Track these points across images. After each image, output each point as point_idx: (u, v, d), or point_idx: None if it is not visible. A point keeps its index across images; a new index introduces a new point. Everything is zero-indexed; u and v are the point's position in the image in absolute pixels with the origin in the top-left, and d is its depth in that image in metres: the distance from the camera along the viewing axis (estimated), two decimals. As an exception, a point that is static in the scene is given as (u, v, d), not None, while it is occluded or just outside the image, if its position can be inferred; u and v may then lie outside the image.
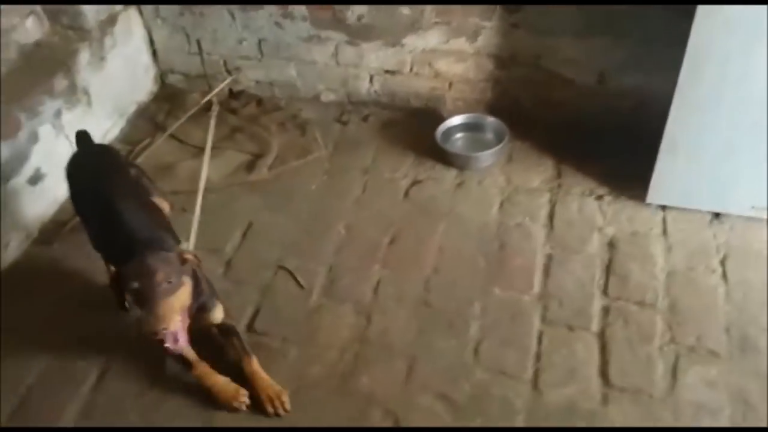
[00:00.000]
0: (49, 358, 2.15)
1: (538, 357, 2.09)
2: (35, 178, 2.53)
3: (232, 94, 3.28)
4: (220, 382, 2.00)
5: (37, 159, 2.52)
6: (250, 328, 2.23)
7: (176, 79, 3.32)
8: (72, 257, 2.49)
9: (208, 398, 1.99)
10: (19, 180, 2.46)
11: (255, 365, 2.03)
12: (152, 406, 2.01)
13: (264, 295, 2.33)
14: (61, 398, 2.04)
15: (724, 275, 2.31)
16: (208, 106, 3.12)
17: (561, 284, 2.30)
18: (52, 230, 2.60)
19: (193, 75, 3.28)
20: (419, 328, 2.20)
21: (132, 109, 3.13)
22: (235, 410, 1.96)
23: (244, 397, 1.97)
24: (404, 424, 1.94)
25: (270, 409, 1.96)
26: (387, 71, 3.04)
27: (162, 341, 1.74)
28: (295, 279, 2.38)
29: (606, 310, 2.21)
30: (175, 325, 1.75)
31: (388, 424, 1.94)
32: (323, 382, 2.06)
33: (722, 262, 2.35)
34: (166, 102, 3.24)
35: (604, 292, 2.27)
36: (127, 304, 1.89)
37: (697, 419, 1.90)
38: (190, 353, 2.00)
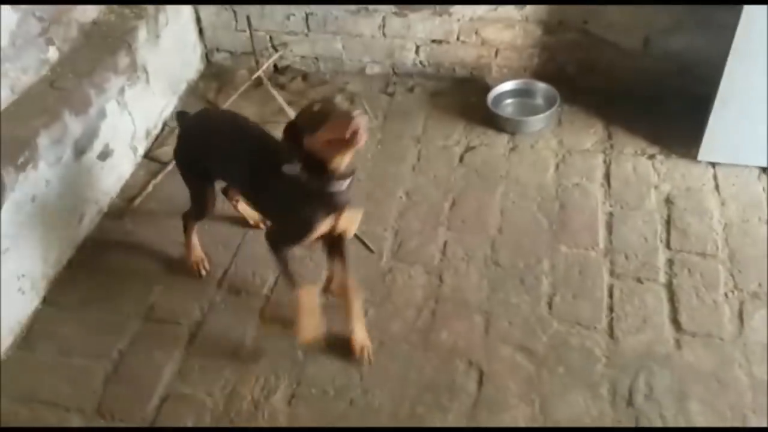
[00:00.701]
0: (138, 325, 2.23)
1: (610, 308, 2.17)
2: (104, 154, 2.59)
3: (277, 70, 3.34)
4: (311, 316, 1.99)
5: (105, 135, 2.58)
6: (326, 290, 2.30)
7: (222, 57, 3.38)
8: (143, 231, 2.57)
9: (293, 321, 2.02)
10: (91, 155, 2.52)
11: (355, 296, 2.07)
12: (247, 363, 2.10)
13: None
14: (156, 361, 2.12)
15: (778, 225, 2.40)
16: (257, 83, 3.18)
17: (625, 239, 2.38)
18: (121, 205, 2.67)
19: (238, 52, 3.33)
20: (491, 286, 2.28)
21: (183, 87, 3.19)
22: (301, 341, 2.01)
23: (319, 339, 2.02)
24: (488, 374, 2.02)
25: (357, 353, 2.07)
26: (434, 41, 3.10)
27: (357, 126, 1.56)
28: (364, 243, 2.45)
29: (670, 262, 2.30)
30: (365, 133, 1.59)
31: (472, 374, 2.03)
32: (405, 337, 2.15)
33: (775, 214, 2.44)
34: (214, 80, 3.30)
35: (667, 245, 2.36)
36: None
37: (765, 359, 2.00)
38: (299, 277, 2.00)
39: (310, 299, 2.00)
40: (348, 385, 2.02)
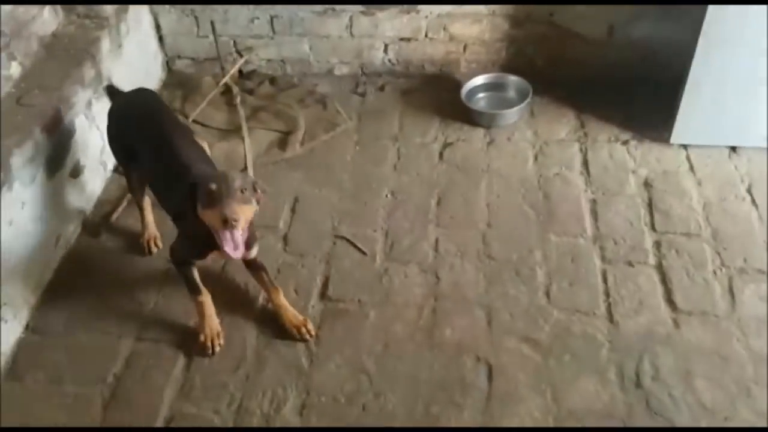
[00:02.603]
0: (130, 345, 2.15)
1: (606, 293, 2.21)
2: (76, 171, 2.49)
3: (243, 75, 3.27)
4: (214, 317, 2.14)
5: (75, 151, 2.48)
6: (323, 296, 2.27)
7: (184, 64, 3.29)
8: (122, 247, 2.48)
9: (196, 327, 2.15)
10: (63, 173, 2.41)
11: (281, 298, 2.18)
12: (252, 376, 2.05)
13: (329, 265, 2.38)
14: (155, 382, 2.04)
15: (753, 201, 2.49)
16: (223, 89, 3.11)
17: (611, 225, 2.43)
18: (97, 222, 2.56)
19: (201, 58, 3.25)
20: (488, 279, 2.29)
21: (146, 97, 3.08)
22: (207, 349, 2.10)
23: (219, 341, 2.13)
24: (497, 367, 2.03)
25: (297, 336, 2.13)
26: (402, 39, 3.10)
27: (232, 227, 1.79)
28: (356, 246, 2.43)
29: (658, 244, 2.36)
30: (243, 225, 1.83)
31: (481, 369, 2.03)
32: (409, 337, 2.13)
33: (749, 191, 2.53)
34: (179, 88, 3.19)
35: (652, 227, 2.42)
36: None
37: (760, 331, 2.07)
38: (200, 284, 2.14)
39: (209, 304, 2.14)
40: (358, 391, 2.00)
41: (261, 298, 2.27)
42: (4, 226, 2.08)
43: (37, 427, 1.95)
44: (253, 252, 2.11)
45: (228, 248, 1.83)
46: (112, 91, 2.39)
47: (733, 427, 1.84)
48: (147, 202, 2.40)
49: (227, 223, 1.77)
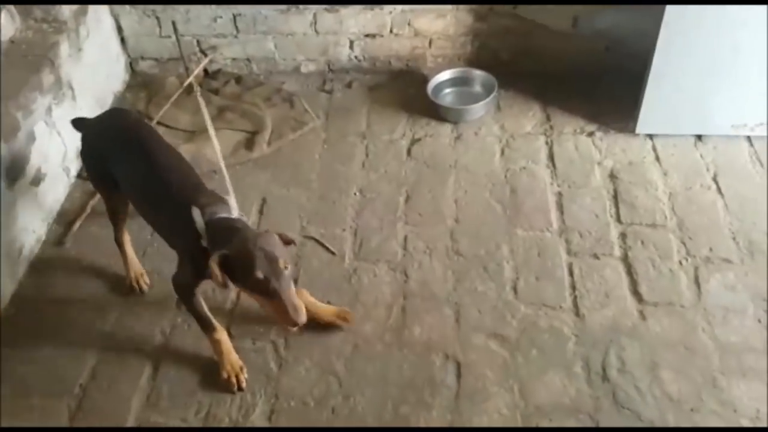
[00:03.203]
0: (96, 356, 2.13)
1: (573, 286, 2.22)
2: (37, 179, 2.45)
3: (208, 74, 3.23)
4: (233, 352, 2.05)
5: (36, 159, 2.44)
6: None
7: (147, 65, 3.25)
8: (88, 255, 2.45)
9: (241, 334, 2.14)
10: (24, 182, 2.37)
11: (307, 296, 2.14)
12: (220, 384, 2.03)
13: (298, 266, 2.36)
14: (122, 392, 2.03)
15: (719, 190, 2.51)
16: (188, 89, 3.07)
17: (576, 218, 2.44)
18: (60, 231, 2.53)
19: (165, 59, 3.21)
20: (456, 276, 2.29)
21: (110, 99, 3.05)
22: (232, 386, 2.00)
23: (244, 375, 2.02)
24: (465, 364, 2.04)
25: (342, 323, 2.15)
26: (367, 35, 3.08)
27: (299, 328, 1.72)
28: (325, 246, 2.42)
29: (623, 236, 2.37)
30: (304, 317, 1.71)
31: (450, 367, 2.03)
32: (378, 337, 2.13)
33: (714, 179, 2.55)
34: (142, 89, 3.16)
35: (618, 219, 2.43)
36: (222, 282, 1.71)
37: (726, 321, 2.09)
38: (213, 319, 2.02)
39: (225, 340, 2.04)
40: (327, 393, 2.00)
41: (229, 302, 2.25)
42: (-37, 238, 2.05)
43: (38, 427, 1.93)
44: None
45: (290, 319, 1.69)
46: (79, 124, 2.22)
47: (733, 426, 1.84)
48: (127, 238, 2.29)
49: (296, 321, 1.67)
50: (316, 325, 2.13)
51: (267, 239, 1.72)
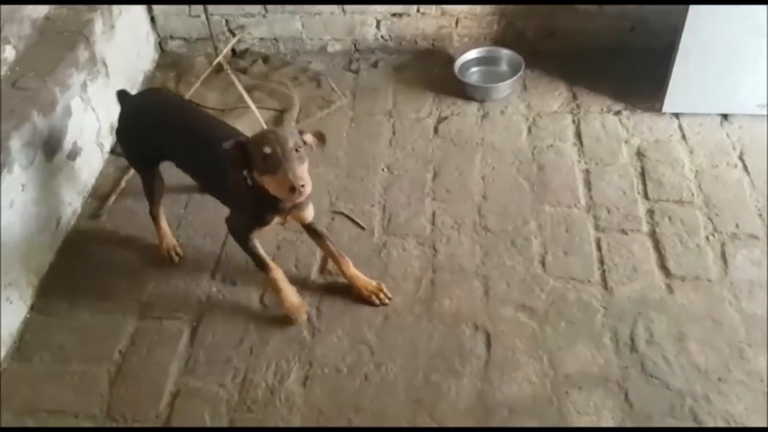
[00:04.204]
0: (133, 323, 2.18)
1: (601, 261, 2.25)
2: (74, 153, 2.50)
3: (236, 54, 3.27)
4: (290, 290, 2.13)
5: (72, 133, 2.49)
6: (322, 270, 2.31)
7: (176, 44, 3.29)
8: (123, 228, 2.51)
9: (275, 304, 2.18)
10: (61, 156, 2.43)
11: (351, 268, 2.19)
12: (255, 351, 2.09)
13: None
14: (160, 358, 2.08)
15: (745, 168, 2.52)
16: (217, 69, 3.11)
17: (604, 194, 2.46)
18: (96, 204, 2.59)
19: (194, 39, 3.25)
20: (484, 251, 2.32)
21: (140, 78, 3.10)
22: (295, 321, 2.12)
23: (305, 309, 2.14)
24: (494, 335, 2.07)
25: (376, 301, 2.17)
26: (394, 14, 3.10)
27: (300, 194, 1.71)
28: (354, 221, 2.46)
29: (651, 212, 2.39)
30: (309, 188, 1.73)
31: (479, 337, 2.07)
32: (408, 309, 2.17)
33: (740, 157, 2.56)
34: (171, 68, 3.20)
35: (645, 196, 2.45)
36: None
37: (752, 295, 2.11)
38: (268, 258, 2.11)
39: (282, 276, 2.11)
40: (359, 361, 2.04)
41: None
42: (5, 208, 2.10)
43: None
44: (310, 213, 2.07)
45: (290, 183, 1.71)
46: (123, 96, 2.27)
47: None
48: (161, 211, 2.35)
49: (295, 191, 1.69)
50: (350, 295, 2.19)
51: (284, 129, 1.83)
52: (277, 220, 2.00)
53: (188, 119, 2.11)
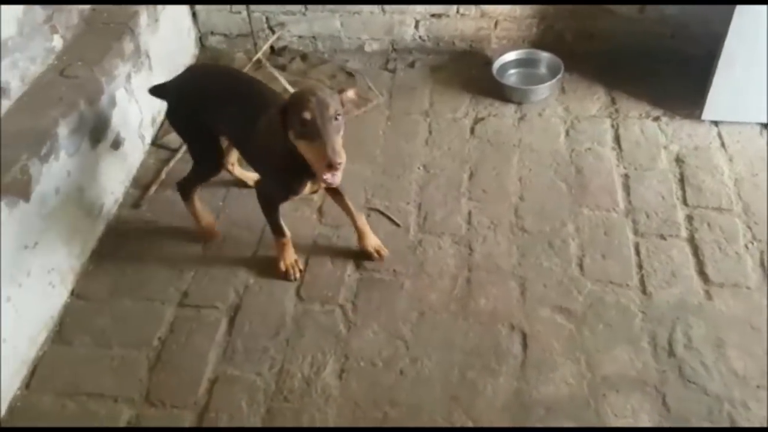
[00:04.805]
0: (173, 311, 2.21)
1: (639, 265, 2.24)
2: (117, 143, 2.54)
3: (274, 51, 3.30)
4: (291, 251, 2.29)
5: (116, 123, 2.53)
6: (358, 266, 2.32)
7: (216, 40, 3.33)
8: (163, 219, 2.54)
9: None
10: (105, 145, 2.46)
11: (363, 222, 2.32)
12: (291, 342, 2.11)
13: (363, 235, 2.42)
14: (199, 346, 2.11)
15: (786, 178, 2.50)
16: (256, 65, 3.15)
17: (643, 199, 2.46)
18: (136, 194, 2.62)
19: (234, 35, 3.29)
20: (521, 251, 2.33)
21: (180, 72, 3.13)
22: (290, 276, 2.26)
23: (299, 266, 2.29)
24: (531, 335, 2.07)
25: (375, 256, 2.32)
26: (433, 15, 3.11)
27: (336, 169, 1.74)
28: (390, 218, 2.47)
29: (689, 218, 2.38)
30: (344, 163, 1.75)
31: (515, 337, 2.07)
32: (444, 306, 2.18)
33: (781, 167, 2.54)
34: (211, 63, 3.24)
35: (684, 202, 2.44)
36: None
37: (792, 304, 2.10)
38: (285, 228, 2.23)
39: (289, 244, 2.27)
40: (395, 356, 2.05)
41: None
42: (52, 193, 2.14)
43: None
44: (340, 177, 1.98)
45: (327, 176, 1.77)
46: (158, 89, 2.30)
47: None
48: (197, 193, 2.37)
49: (332, 168, 1.72)
50: (375, 279, 2.26)
51: (325, 91, 1.81)
52: (309, 187, 2.02)
53: (231, 84, 2.16)
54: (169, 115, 2.31)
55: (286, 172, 1.96)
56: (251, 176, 2.55)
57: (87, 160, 2.35)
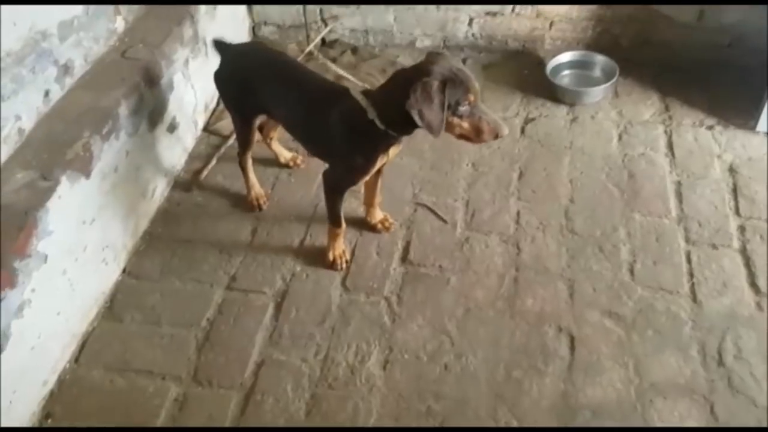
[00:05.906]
0: (222, 293, 2.24)
1: (690, 273, 2.22)
2: (172, 126, 2.58)
3: (325, 44, 3.32)
4: (342, 243, 2.32)
5: (173, 107, 2.57)
6: (404, 260, 2.33)
7: (269, 30, 3.36)
8: (213, 204, 2.57)
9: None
10: (162, 127, 2.50)
11: (378, 198, 2.39)
12: (337, 330, 2.12)
13: (410, 230, 2.43)
14: (246, 328, 2.13)
15: (841, 191, 2.45)
16: (307, 57, 3.17)
17: (695, 207, 2.42)
18: (188, 178, 2.66)
19: (286, 26, 3.32)
20: (570, 254, 2.31)
21: (234, 60, 3.17)
22: (337, 266, 2.29)
23: (346, 257, 2.32)
24: (578, 338, 2.06)
25: (381, 228, 2.42)
26: (488, 13, 3.11)
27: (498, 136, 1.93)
28: (436, 214, 2.48)
29: (742, 229, 2.34)
30: None
31: (563, 338, 2.06)
32: (490, 304, 2.17)
33: (837, 180, 2.49)
34: (263, 53, 3.27)
35: (737, 212, 2.40)
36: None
37: None
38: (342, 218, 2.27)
39: (342, 235, 2.29)
40: (440, 350, 2.05)
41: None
42: (111, 172, 2.18)
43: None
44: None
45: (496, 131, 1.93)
46: (220, 46, 2.32)
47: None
48: (250, 162, 2.45)
49: (497, 136, 1.92)
50: (420, 273, 2.27)
51: (464, 69, 1.86)
52: (383, 159, 2.06)
53: (292, 73, 2.16)
54: (218, 73, 2.30)
55: (366, 147, 1.98)
56: (287, 155, 2.65)
57: (145, 142, 2.39)
